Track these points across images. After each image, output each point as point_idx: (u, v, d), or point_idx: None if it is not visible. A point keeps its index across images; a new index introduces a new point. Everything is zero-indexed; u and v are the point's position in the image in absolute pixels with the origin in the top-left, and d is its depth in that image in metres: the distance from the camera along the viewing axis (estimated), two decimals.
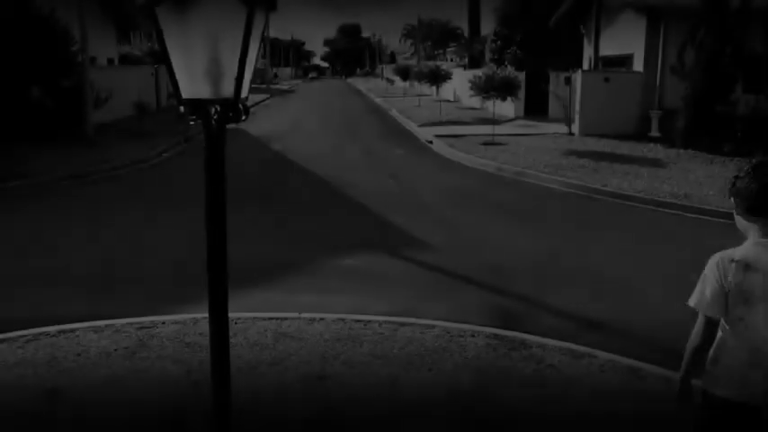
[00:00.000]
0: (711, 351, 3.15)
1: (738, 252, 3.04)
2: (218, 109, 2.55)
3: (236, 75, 2.50)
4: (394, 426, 4.67)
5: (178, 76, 2.51)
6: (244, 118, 2.54)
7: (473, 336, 6.47)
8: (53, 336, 6.34)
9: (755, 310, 2.97)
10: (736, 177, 3.15)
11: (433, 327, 6.67)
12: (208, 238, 2.70)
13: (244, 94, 2.57)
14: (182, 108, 2.54)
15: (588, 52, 27.12)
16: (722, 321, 3.08)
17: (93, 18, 25.28)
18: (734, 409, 3.07)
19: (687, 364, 3.19)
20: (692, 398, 3.22)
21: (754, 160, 3.20)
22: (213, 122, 2.55)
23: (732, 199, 3.18)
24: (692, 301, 3.13)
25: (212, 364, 3.10)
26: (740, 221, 3.18)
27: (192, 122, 2.56)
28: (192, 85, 2.54)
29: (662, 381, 5.60)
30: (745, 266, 2.97)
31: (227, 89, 2.53)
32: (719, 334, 3.12)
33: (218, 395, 3.40)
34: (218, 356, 3.07)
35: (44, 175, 14.98)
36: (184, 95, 2.54)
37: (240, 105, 2.54)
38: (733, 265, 3.00)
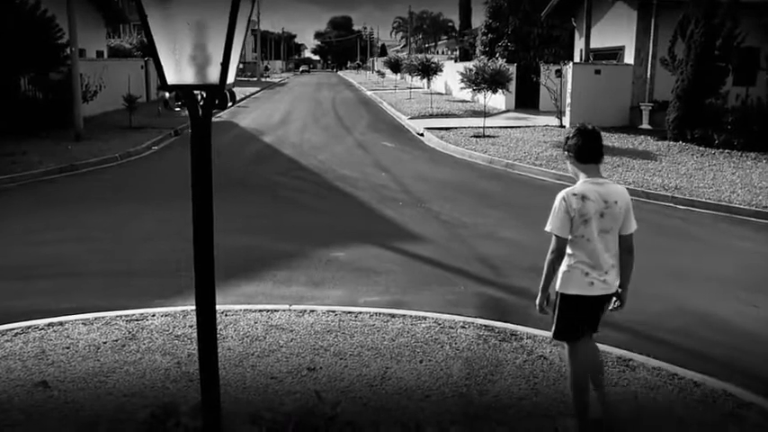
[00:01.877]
0: (563, 265, 4.35)
1: (576, 189, 4.27)
2: (204, 95, 2.52)
3: (221, 60, 2.45)
4: (385, 416, 4.65)
5: (163, 62, 2.47)
6: (230, 104, 2.53)
7: (464, 327, 6.46)
8: (42, 329, 6.30)
9: (591, 227, 4.24)
10: (568, 138, 4.39)
11: (424, 318, 6.66)
12: (194, 223, 2.66)
13: (230, 80, 2.53)
14: (167, 94, 2.50)
15: (579, 45, 27.12)
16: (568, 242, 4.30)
17: (82, 11, 25.09)
18: (580, 300, 4.33)
19: (547, 277, 4.38)
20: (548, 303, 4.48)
21: (578, 125, 4.43)
22: (199, 109, 2.51)
23: (566, 153, 4.43)
24: (548, 228, 4.35)
25: (200, 355, 3.08)
26: (572, 168, 4.43)
27: (177, 109, 2.52)
28: (177, 71, 2.49)
29: (653, 371, 5.61)
30: (583, 197, 4.22)
31: (213, 75, 2.48)
32: (568, 251, 4.33)
33: (206, 386, 3.39)
34: (205, 347, 3.05)
35: (32, 168, 14.87)
36: (170, 81, 2.50)
37: (226, 91, 2.50)
38: (574, 197, 4.23)
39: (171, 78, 2.49)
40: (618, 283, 4.41)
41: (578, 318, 4.40)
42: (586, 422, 4.47)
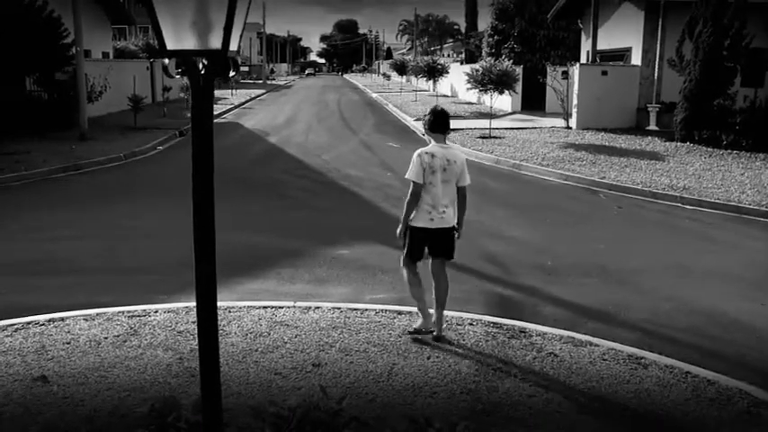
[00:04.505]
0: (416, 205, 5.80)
1: (428, 149, 5.80)
2: (206, 63, 2.38)
3: (224, 24, 2.32)
4: (392, 412, 4.54)
5: (162, 25, 2.33)
6: (233, 74, 2.38)
7: (472, 324, 6.35)
8: (42, 324, 6.21)
9: (436, 177, 5.72)
10: (425, 115, 5.98)
11: (432, 315, 6.52)
12: (194, 205, 2.54)
13: (233, 46, 2.40)
14: (166, 61, 2.37)
15: (586, 46, 26.99)
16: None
17: (89, 12, 25.08)
18: (424, 231, 5.83)
19: (407, 213, 5.84)
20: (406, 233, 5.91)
21: (432, 107, 6.08)
22: (200, 77, 2.38)
23: (424, 126, 6.05)
24: (407, 176, 5.81)
25: (200, 343, 2.96)
26: (427, 136, 6.06)
27: (177, 76, 2.38)
28: (177, 36, 2.35)
29: (665, 369, 5.48)
30: (432, 155, 5.74)
31: (215, 40, 2.35)
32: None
33: (206, 378, 3.27)
34: (205, 335, 2.93)
35: (37, 167, 14.80)
36: (169, 47, 2.35)
37: (229, 58, 2.37)
38: (426, 155, 5.74)
39: (170, 44, 2.35)
40: (455, 220, 5.92)
41: (421, 244, 5.90)
42: (426, 311, 5.99)
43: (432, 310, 5.99)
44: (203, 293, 2.81)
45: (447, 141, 5.98)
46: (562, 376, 5.27)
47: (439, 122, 5.86)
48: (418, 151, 5.78)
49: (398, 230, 5.97)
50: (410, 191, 5.77)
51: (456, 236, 5.98)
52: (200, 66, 2.39)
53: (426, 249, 5.98)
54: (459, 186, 5.86)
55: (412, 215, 5.82)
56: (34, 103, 20.94)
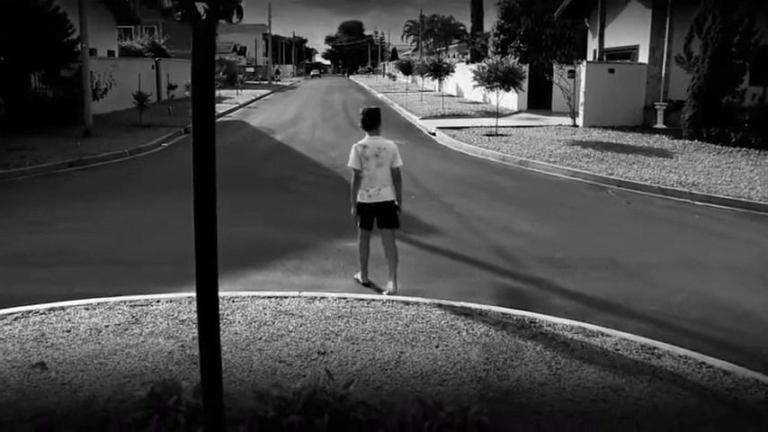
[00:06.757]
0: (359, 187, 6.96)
1: (361, 142, 6.91)
2: (207, 7, 2.24)
3: None
4: (399, 399, 4.40)
5: None
6: (236, 20, 2.23)
7: (481, 314, 6.21)
8: (42, 313, 6.10)
9: (369, 163, 6.85)
10: (360, 114, 7.05)
11: (440, 305, 6.40)
12: (194, 167, 2.40)
13: None
14: (167, 1, 2.23)
15: (593, 45, 26.84)
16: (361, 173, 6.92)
17: (94, 11, 25.02)
18: (366, 206, 6.98)
19: (353, 194, 7.01)
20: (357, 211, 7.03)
21: (365, 107, 7.17)
22: (201, 19, 2.23)
23: (361, 125, 7.02)
24: (348, 164, 6.96)
25: (199, 327, 2.83)
26: (363, 131, 6.99)
27: (178, 19, 2.23)
28: None
29: (679, 359, 5.34)
30: (364, 147, 6.89)
31: None
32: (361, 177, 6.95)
33: (206, 362, 3.15)
34: (205, 315, 2.81)
35: (42, 162, 14.72)
36: None
37: (232, 0, 2.21)
38: (360, 146, 6.88)
39: None
40: (393, 197, 7.01)
41: (366, 215, 7.04)
42: (365, 268, 7.34)
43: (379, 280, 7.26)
44: (203, 265, 2.68)
45: (380, 134, 7.03)
46: (574, 365, 5.12)
47: (368, 120, 6.97)
48: (355, 144, 6.95)
49: (352, 211, 7.13)
50: (353, 176, 6.98)
51: (397, 211, 7.10)
52: (202, 11, 2.25)
53: (375, 221, 7.11)
54: (393, 168, 6.96)
55: (360, 194, 6.96)
56: (40, 100, 20.90)
